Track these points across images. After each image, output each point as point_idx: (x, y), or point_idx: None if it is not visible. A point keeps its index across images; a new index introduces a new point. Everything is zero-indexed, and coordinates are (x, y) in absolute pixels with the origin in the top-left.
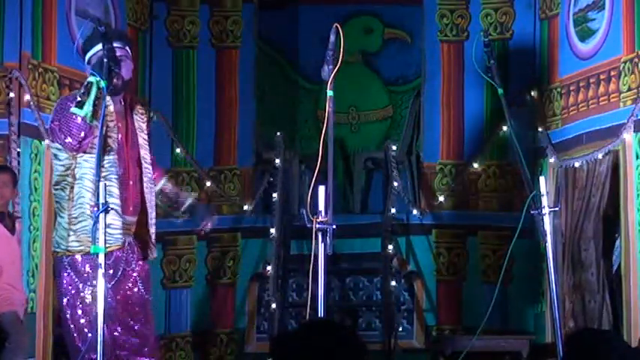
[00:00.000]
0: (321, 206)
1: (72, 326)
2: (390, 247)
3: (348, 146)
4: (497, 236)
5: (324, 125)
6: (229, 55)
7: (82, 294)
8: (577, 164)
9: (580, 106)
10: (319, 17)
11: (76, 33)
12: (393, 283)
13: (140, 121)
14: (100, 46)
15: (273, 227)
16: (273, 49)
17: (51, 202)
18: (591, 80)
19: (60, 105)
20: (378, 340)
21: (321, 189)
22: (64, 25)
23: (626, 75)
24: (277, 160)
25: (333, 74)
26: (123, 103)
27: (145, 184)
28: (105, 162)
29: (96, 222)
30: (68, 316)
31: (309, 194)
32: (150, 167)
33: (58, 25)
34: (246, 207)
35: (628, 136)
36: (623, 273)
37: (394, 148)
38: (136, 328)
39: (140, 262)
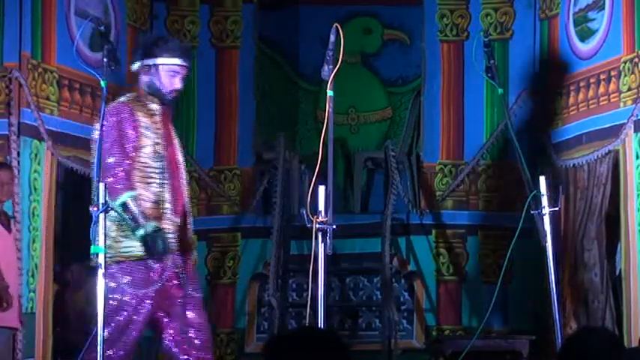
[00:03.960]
0: (321, 206)
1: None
2: (390, 247)
3: (348, 146)
4: (498, 236)
5: (325, 125)
6: (229, 55)
7: (125, 298)
8: (577, 164)
9: (580, 106)
10: (319, 17)
11: (76, 33)
12: (393, 283)
13: (173, 127)
14: (149, 61)
15: (273, 227)
16: (273, 50)
17: (50, 202)
18: (591, 80)
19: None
20: (378, 340)
21: (321, 189)
22: (63, 25)
23: (626, 75)
24: (277, 160)
25: (332, 74)
26: (165, 111)
27: (182, 186)
28: (157, 170)
29: (96, 222)
30: (111, 318)
31: (309, 194)
32: (183, 171)
33: (57, 26)
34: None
35: (628, 136)
36: (624, 274)
37: (394, 148)
38: (193, 325)
39: (188, 262)
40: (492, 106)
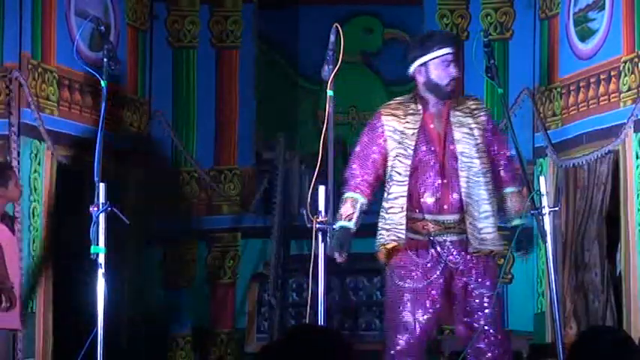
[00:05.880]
0: (321, 206)
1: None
2: None
3: (349, 145)
4: None
5: (325, 125)
6: (229, 55)
7: (400, 290)
8: (577, 164)
9: (580, 106)
10: (319, 17)
11: (76, 33)
12: None
13: (460, 117)
14: (419, 61)
15: (273, 227)
16: (273, 49)
17: (50, 203)
18: (591, 80)
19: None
20: (378, 340)
21: (321, 189)
22: (63, 25)
23: (626, 75)
24: (277, 160)
25: (332, 74)
26: (444, 104)
27: (461, 180)
28: (404, 167)
29: (96, 222)
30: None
31: (309, 194)
32: (471, 161)
33: (57, 26)
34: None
35: (628, 136)
36: (624, 274)
37: None
38: (475, 324)
39: (469, 257)
40: (492, 106)
